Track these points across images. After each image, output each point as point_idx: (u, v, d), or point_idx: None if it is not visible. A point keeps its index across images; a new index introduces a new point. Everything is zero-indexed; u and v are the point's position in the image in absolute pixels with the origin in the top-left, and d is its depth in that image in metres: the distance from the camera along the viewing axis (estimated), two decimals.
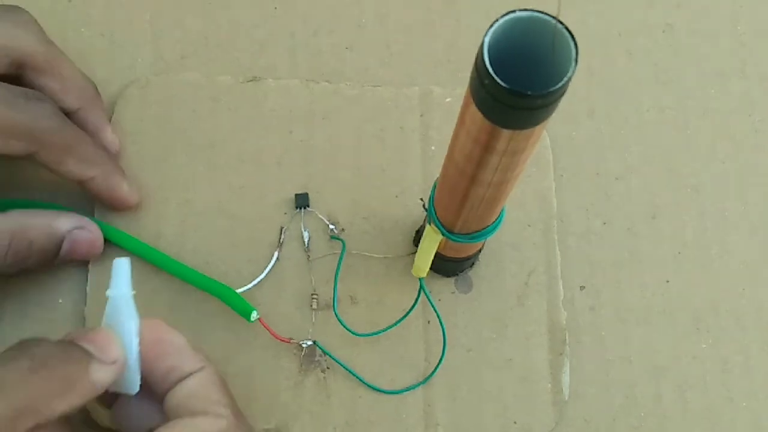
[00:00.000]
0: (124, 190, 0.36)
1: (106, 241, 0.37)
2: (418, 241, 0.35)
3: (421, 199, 0.39)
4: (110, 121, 0.39)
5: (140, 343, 0.30)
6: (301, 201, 0.38)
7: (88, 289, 0.37)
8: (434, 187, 0.31)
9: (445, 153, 0.28)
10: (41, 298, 0.37)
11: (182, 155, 0.39)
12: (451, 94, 0.40)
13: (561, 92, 0.22)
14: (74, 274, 0.37)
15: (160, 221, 0.38)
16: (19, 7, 0.35)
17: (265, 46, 0.42)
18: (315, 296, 0.37)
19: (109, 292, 0.30)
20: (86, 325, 0.36)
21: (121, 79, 0.40)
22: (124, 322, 0.30)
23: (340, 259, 0.37)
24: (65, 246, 0.35)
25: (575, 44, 0.22)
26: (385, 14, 0.43)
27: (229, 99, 0.40)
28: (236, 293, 0.36)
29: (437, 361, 0.36)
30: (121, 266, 0.30)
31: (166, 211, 0.38)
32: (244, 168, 0.39)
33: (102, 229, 0.37)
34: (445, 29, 0.42)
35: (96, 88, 0.37)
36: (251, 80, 0.40)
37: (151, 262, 0.37)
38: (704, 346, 0.38)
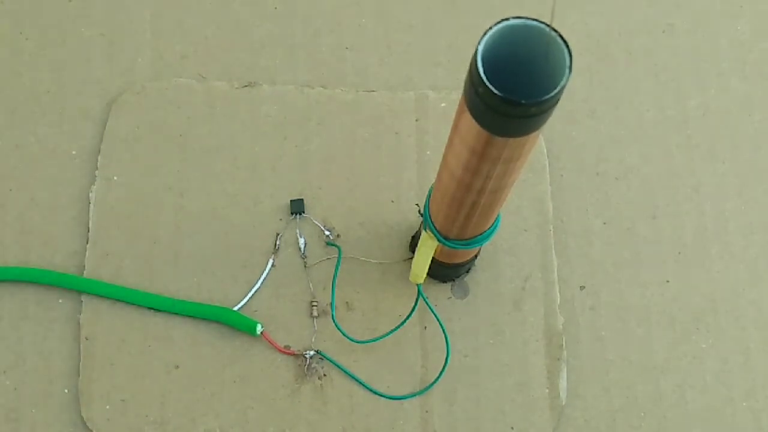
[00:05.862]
0: None
1: (93, 295, 0.36)
2: (414, 247, 0.35)
3: (417, 205, 0.38)
4: (105, 127, 0.39)
5: None
6: (297, 207, 0.38)
7: (82, 297, 0.37)
8: (429, 192, 0.31)
9: (441, 158, 0.28)
10: (41, 298, 0.37)
11: (177, 161, 0.39)
12: (446, 98, 0.40)
13: (555, 100, 0.22)
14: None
15: (156, 227, 0.38)
16: None
17: (265, 46, 0.41)
18: (315, 303, 0.37)
19: None
20: (81, 330, 0.36)
21: (120, 79, 0.40)
22: None
23: (337, 265, 0.37)
24: None
25: (569, 52, 0.22)
26: (385, 14, 0.42)
27: (224, 105, 0.40)
28: (236, 312, 0.36)
29: (435, 367, 0.36)
30: None
31: (162, 217, 0.38)
32: (238, 174, 0.39)
33: (89, 285, 0.36)
34: (445, 29, 0.42)
35: None
36: (246, 86, 0.40)
37: (144, 306, 0.36)
38: (704, 346, 0.38)
